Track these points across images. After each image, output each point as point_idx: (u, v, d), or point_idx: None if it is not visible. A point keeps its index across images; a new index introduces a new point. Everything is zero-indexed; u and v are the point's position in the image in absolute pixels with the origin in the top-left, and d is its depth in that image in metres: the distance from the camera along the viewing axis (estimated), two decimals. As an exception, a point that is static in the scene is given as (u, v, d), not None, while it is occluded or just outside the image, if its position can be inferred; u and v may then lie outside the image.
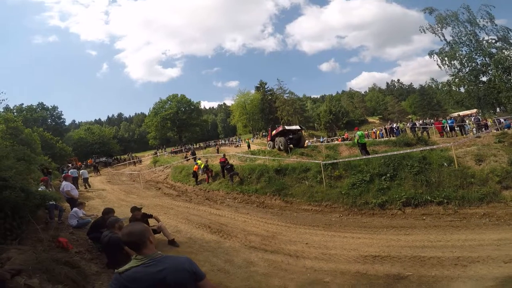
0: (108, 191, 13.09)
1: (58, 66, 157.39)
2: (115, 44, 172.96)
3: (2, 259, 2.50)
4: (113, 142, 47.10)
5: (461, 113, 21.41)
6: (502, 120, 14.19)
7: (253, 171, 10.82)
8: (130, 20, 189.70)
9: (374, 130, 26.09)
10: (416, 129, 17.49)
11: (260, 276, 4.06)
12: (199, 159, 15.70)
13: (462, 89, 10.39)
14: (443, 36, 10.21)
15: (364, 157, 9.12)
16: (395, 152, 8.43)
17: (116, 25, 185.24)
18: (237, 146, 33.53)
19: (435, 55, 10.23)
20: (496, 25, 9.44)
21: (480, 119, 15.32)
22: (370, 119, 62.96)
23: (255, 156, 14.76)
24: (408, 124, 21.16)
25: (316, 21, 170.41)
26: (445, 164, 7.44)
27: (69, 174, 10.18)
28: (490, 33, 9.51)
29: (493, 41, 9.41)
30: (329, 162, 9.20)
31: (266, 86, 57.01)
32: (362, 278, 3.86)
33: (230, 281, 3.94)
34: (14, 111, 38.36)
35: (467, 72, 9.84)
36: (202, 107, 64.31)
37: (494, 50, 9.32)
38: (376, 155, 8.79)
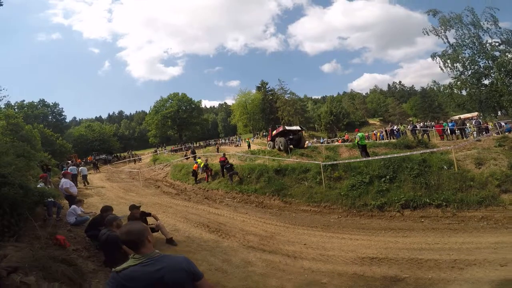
0: (107, 189, 13.09)
1: (61, 63, 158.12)
2: (117, 42, 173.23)
3: (-1, 256, 2.50)
4: (113, 140, 47.12)
5: (462, 116, 21.33)
6: (503, 123, 14.15)
7: (253, 171, 10.82)
8: (133, 18, 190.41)
9: (374, 132, 26.08)
10: (417, 131, 17.48)
11: (258, 276, 4.06)
12: (199, 158, 15.71)
13: (464, 92, 10.35)
14: (446, 38, 10.18)
15: (364, 159, 9.11)
16: (395, 155, 8.43)
17: (119, 23, 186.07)
18: (237, 145, 33.53)
19: (438, 58, 10.20)
20: (500, 27, 9.38)
21: (481, 123, 15.29)
22: (371, 121, 62.91)
23: (255, 156, 14.77)
24: (408, 126, 21.15)
25: (318, 21, 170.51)
26: (445, 167, 7.43)
27: (68, 171, 10.17)
28: (493, 36, 9.46)
29: (497, 44, 9.36)
30: (329, 163, 9.19)
31: (267, 86, 57.04)
32: (359, 280, 3.86)
33: (228, 280, 3.94)
34: (15, 107, 38.40)
35: (469, 75, 9.80)
36: (203, 106, 64.50)
37: (497, 53, 9.28)
38: (376, 157, 8.78)
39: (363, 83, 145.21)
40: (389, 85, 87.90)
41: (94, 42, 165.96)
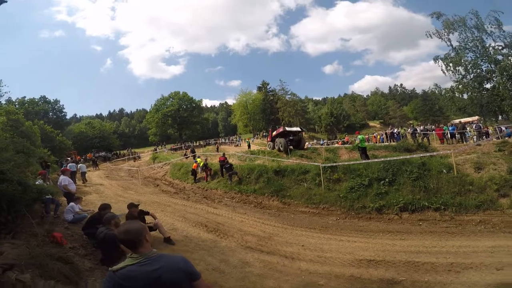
0: (106, 186, 13.08)
1: (63, 61, 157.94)
2: (119, 40, 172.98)
3: (-5, 253, 2.48)
4: (113, 137, 47.12)
5: (462, 120, 21.35)
6: (503, 128, 14.15)
7: (252, 171, 10.82)
8: (136, 16, 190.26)
9: (374, 134, 26.07)
10: (417, 135, 17.45)
11: (255, 277, 4.05)
12: (199, 157, 15.70)
13: (465, 96, 10.35)
14: (450, 41, 10.16)
15: (363, 161, 9.11)
16: (394, 158, 8.43)
17: (122, 21, 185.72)
18: (237, 145, 33.54)
19: (440, 61, 10.19)
20: (503, 31, 9.36)
21: (482, 127, 15.28)
22: (371, 123, 62.88)
23: (254, 156, 14.76)
24: (409, 129, 21.13)
25: (321, 23, 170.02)
26: (444, 171, 7.44)
27: (68, 168, 10.16)
28: (497, 39, 9.44)
29: (500, 47, 9.34)
30: (329, 165, 9.19)
31: (268, 87, 57.02)
32: (356, 282, 3.86)
33: (225, 281, 3.94)
34: (16, 103, 38.39)
35: (471, 79, 9.80)
36: (203, 105, 64.31)
37: (500, 57, 9.27)
38: (376, 160, 8.78)
39: (364, 85, 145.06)
40: (390, 87, 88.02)
41: (97, 39, 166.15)
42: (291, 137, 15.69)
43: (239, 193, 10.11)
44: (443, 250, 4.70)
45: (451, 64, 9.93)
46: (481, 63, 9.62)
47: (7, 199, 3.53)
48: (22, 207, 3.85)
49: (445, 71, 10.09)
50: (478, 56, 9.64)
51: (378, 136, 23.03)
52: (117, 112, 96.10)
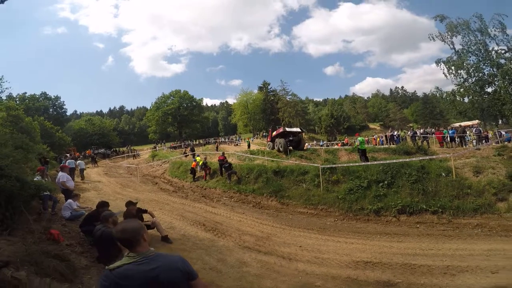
0: (104, 184, 13.06)
1: (65, 57, 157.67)
2: (122, 37, 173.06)
3: (-9, 250, 2.47)
4: (113, 134, 47.07)
5: (462, 124, 21.35)
6: (503, 132, 14.17)
7: (251, 171, 10.82)
8: (139, 14, 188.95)
9: (374, 136, 26.09)
10: (417, 138, 17.47)
11: (252, 277, 4.06)
12: (198, 155, 15.70)
13: (466, 99, 10.34)
14: (453, 44, 10.12)
15: (363, 163, 9.12)
16: (394, 160, 8.45)
17: (125, 19, 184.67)
18: (237, 145, 33.53)
19: (442, 64, 10.16)
20: (507, 35, 9.31)
21: (481, 131, 15.30)
22: (371, 125, 62.90)
23: (254, 156, 14.76)
24: (409, 132, 21.16)
25: (324, 24, 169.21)
26: (443, 174, 7.45)
27: (66, 164, 10.14)
28: (500, 43, 9.39)
29: (503, 51, 9.31)
30: (328, 166, 9.20)
31: (269, 87, 56.95)
32: (353, 284, 3.87)
33: (222, 280, 3.93)
34: (17, 99, 38.31)
35: (473, 82, 9.77)
36: (204, 104, 64.31)
37: (502, 61, 9.24)
38: (375, 162, 8.80)
39: (365, 87, 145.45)
40: (391, 89, 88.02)
41: (99, 37, 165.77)
42: (291, 138, 15.70)
43: (238, 192, 10.12)
44: (439, 253, 4.72)
45: (453, 67, 9.89)
46: (484, 67, 9.60)
47: (5, 195, 3.51)
48: (19, 203, 3.84)
49: (447, 74, 10.06)
50: (480, 59, 9.61)
51: (378, 139, 23.05)
52: (117, 109, 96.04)
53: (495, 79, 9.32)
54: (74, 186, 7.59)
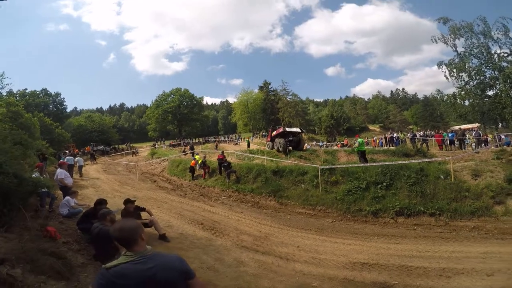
0: (103, 181, 13.05)
1: (66, 54, 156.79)
2: (124, 35, 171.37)
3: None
4: (113, 131, 46.99)
5: (462, 127, 21.38)
6: (502, 136, 14.18)
7: (251, 170, 10.82)
8: (142, 12, 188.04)
9: (374, 138, 26.10)
10: (416, 140, 17.48)
11: (250, 277, 4.06)
12: (197, 154, 15.69)
13: (467, 102, 10.34)
14: (455, 47, 10.10)
15: (362, 164, 9.13)
16: (393, 162, 8.48)
17: (128, 16, 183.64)
18: (236, 144, 33.52)
19: (444, 66, 10.14)
20: (510, 38, 9.28)
21: (481, 134, 15.31)
22: (371, 127, 62.92)
23: (253, 156, 14.76)
24: (408, 134, 21.18)
25: (326, 24, 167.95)
26: (442, 177, 7.48)
27: (65, 161, 10.12)
28: (503, 46, 9.38)
29: (505, 54, 9.29)
30: (327, 167, 9.20)
31: (269, 87, 56.91)
32: (349, 285, 3.88)
33: (219, 280, 3.93)
34: (17, 95, 38.17)
35: (474, 85, 9.77)
36: (204, 102, 64.40)
37: (504, 64, 9.23)
38: (374, 164, 8.81)
39: (366, 88, 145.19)
40: (392, 91, 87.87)
41: (102, 34, 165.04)
42: (290, 138, 15.69)
43: (237, 192, 10.12)
44: (436, 255, 4.74)
45: (455, 70, 9.89)
46: (485, 70, 9.59)
47: (2, 192, 3.49)
48: (17, 200, 3.82)
49: (448, 77, 10.06)
50: (482, 62, 9.60)
51: (378, 140, 23.05)
52: (117, 106, 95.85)
53: (497, 82, 9.33)
54: (72, 183, 7.57)
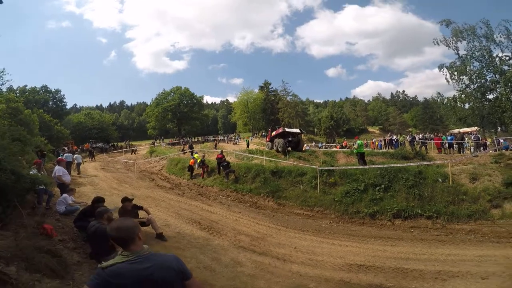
0: (101, 178, 13.01)
1: (67, 51, 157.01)
2: (126, 33, 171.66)
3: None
4: (112, 129, 46.90)
5: (461, 130, 21.40)
6: (501, 140, 14.22)
7: (249, 170, 10.82)
8: (144, 10, 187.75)
9: (373, 140, 26.14)
10: (415, 143, 17.51)
11: (246, 277, 4.06)
12: (196, 153, 15.68)
13: (467, 106, 10.32)
14: (457, 49, 10.06)
15: (360, 166, 9.14)
16: (392, 165, 8.48)
17: (130, 14, 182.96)
18: (236, 143, 33.52)
19: (445, 69, 10.11)
20: None
21: (480, 138, 15.34)
22: (370, 129, 63.02)
23: (252, 156, 14.76)
24: (407, 137, 21.19)
25: (328, 25, 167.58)
26: (440, 180, 7.49)
27: (63, 158, 10.09)
28: (505, 49, 9.33)
29: (507, 58, 9.25)
30: (326, 168, 9.22)
31: (270, 87, 56.96)
32: (345, 287, 3.90)
33: (216, 279, 3.93)
34: (17, 92, 38.05)
35: (474, 89, 9.74)
36: (204, 101, 64.30)
37: (506, 67, 9.20)
38: (373, 166, 8.82)
39: (366, 90, 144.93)
40: (392, 93, 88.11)
41: (103, 31, 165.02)
42: (290, 138, 15.69)
43: (235, 191, 10.11)
44: (432, 257, 4.76)
45: (456, 73, 9.84)
46: (486, 73, 9.56)
47: (-1, 188, 3.48)
48: (14, 197, 3.80)
49: (449, 80, 10.02)
50: (484, 66, 9.56)
51: (377, 142, 23.10)
52: (117, 104, 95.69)
53: (497, 86, 9.31)
54: (70, 180, 7.55)
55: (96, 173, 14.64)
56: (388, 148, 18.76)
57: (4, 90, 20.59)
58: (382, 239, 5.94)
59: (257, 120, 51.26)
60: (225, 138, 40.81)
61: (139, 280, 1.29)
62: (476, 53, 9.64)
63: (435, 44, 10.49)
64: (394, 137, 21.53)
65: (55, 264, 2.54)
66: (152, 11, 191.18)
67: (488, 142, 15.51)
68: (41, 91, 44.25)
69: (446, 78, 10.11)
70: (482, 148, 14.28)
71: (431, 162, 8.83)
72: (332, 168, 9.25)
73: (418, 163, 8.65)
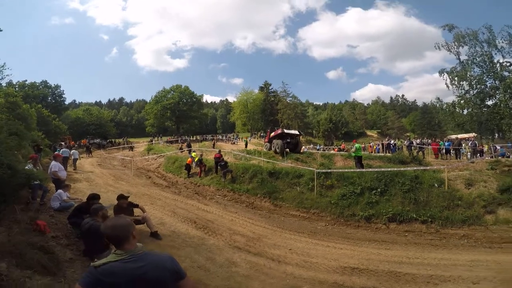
0: (97, 175, 12.93)
1: (69, 47, 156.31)
2: (128, 30, 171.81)
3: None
4: (110, 125, 46.75)
5: (459, 136, 21.56)
6: (498, 147, 14.35)
7: (247, 170, 10.81)
8: (146, 7, 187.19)
9: (371, 144, 26.25)
10: (413, 147, 17.61)
11: (241, 278, 4.06)
12: (194, 151, 15.65)
13: (465, 112, 10.30)
14: (458, 54, 10.03)
15: (358, 170, 9.17)
16: (388, 169, 8.53)
17: (132, 11, 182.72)
18: (234, 143, 33.50)
19: (446, 74, 10.10)
20: None
21: (477, 144, 15.46)
22: (369, 132, 63.26)
23: (250, 156, 14.76)
24: (405, 142, 21.31)
25: (330, 27, 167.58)
26: (436, 185, 7.55)
27: (60, 153, 10.01)
28: (506, 55, 9.28)
29: (508, 64, 9.24)
30: (323, 170, 9.23)
31: (270, 87, 56.99)
32: (339, 290, 3.90)
33: (210, 279, 3.93)
34: (17, 86, 37.77)
35: (474, 94, 9.71)
36: (204, 100, 64.18)
37: (506, 73, 9.20)
38: (370, 169, 8.86)
39: (366, 93, 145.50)
40: (391, 97, 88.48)
41: (106, 28, 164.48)
42: (288, 140, 15.72)
43: (232, 191, 10.10)
44: (424, 261, 4.79)
45: (456, 78, 9.80)
46: (486, 79, 9.54)
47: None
48: (8, 192, 3.76)
49: (449, 85, 9.94)
50: (484, 71, 9.52)
51: (375, 146, 23.20)
52: (116, 100, 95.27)
53: (497, 92, 9.28)
54: (66, 176, 7.49)
55: (93, 169, 14.56)
56: (386, 152, 18.85)
57: (4, 84, 20.43)
58: (376, 242, 5.96)
59: (256, 120, 51.30)
60: (224, 138, 40.78)
61: (132, 280, 1.28)
62: (477, 58, 9.62)
63: (436, 49, 10.48)
64: (392, 141, 21.64)
65: (47, 261, 2.52)
66: (155, 9, 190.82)
67: (485, 148, 15.64)
68: (41, 86, 44.02)
69: (446, 83, 10.08)
70: (478, 154, 14.42)
71: (428, 167, 8.88)
72: (329, 170, 9.27)
73: (415, 168, 8.70)
